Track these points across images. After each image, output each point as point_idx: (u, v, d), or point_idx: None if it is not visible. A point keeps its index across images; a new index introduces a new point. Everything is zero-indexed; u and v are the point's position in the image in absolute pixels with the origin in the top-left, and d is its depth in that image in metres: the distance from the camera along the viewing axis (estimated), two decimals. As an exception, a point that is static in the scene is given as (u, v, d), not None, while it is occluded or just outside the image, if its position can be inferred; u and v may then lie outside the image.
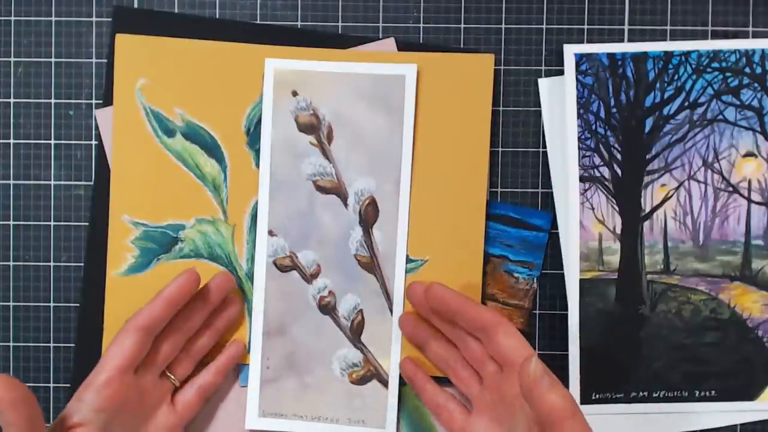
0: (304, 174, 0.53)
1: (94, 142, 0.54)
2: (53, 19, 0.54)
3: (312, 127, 0.53)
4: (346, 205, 0.53)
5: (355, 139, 0.53)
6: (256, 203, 0.53)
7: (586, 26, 0.55)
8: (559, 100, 0.54)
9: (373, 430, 0.53)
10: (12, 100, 0.54)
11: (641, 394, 0.54)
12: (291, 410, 0.53)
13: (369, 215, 0.53)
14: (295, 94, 0.53)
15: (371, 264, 0.53)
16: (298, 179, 0.53)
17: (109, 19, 0.54)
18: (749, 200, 0.54)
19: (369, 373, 0.53)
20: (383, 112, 0.53)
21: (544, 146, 0.54)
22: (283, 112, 0.53)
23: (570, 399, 0.41)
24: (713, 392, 0.54)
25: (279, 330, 0.53)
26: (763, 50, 0.53)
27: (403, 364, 0.52)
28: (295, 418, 0.52)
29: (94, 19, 0.54)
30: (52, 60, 0.54)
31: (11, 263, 0.55)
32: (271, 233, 0.53)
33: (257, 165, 0.53)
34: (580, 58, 0.53)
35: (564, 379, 0.54)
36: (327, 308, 0.53)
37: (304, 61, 0.53)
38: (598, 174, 0.54)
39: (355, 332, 0.53)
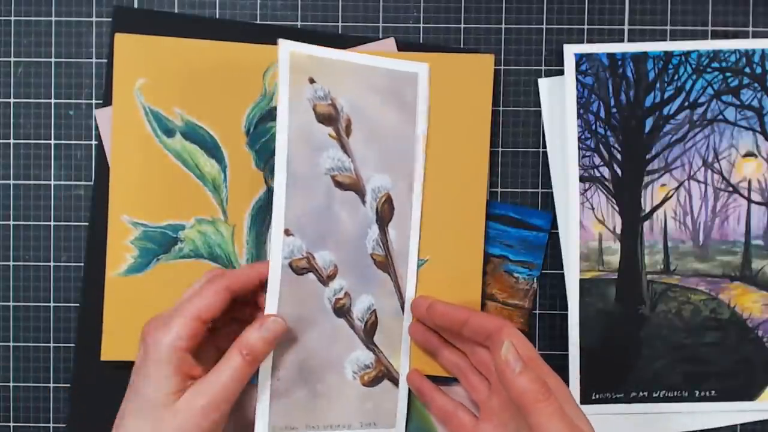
0: (323, 168, 0.50)
1: (94, 142, 0.54)
2: (53, 19, 0.54)
3: (331, 118, 0.50)
4: (363, 202, 0.51)
5: (371, 133, 0.51)
6: (257, 203, 0.53)
7: (586, 26, 0.55)
8: (559, 100, 0.54)
9: (384, 430, 0.52)
10: (12, 100, 0.54)
11: (641, 394, 0.54)
12: (302, 422, 0.50)
13: (385, 213, 0.52)
14: (312, 81, 0.50)
15: (386, 263, 0.52)
16: (316, 174, 0.50)
17: (109, 19, 0.54)
18: (749, 200, 0.54)
19: (380, 374, 0.52)
20: (397, 109, 0.52)
21: (544, 146, 0.54)
22: (300, 99, 0.49)
23: (541, 383, 0.41)
24: (713, 392, 0.54)
25: (291, 337, 0.49)
26: (763, 50, 0.53)
27: (410, 377, 0.52)
28: (307, 429, 0.50)
29: (94, 19, 0.54)
30: (52, 60, 0.54)
31: (11, 263, 0.55)
32: (287, 232, 0.49)
33: (257, 165, 0.53)
34: (580, 58, 0.53)
35: (564, 379, 0.54)
36: (342, 310, 0.51)
37: (320, 47, 0.50)
38: (598, 174, 0.54)
39: (368, 333, 0.52)
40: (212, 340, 0.47)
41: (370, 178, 0.51)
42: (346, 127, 0.51)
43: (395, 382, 0.52)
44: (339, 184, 0.50)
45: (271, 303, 0.48)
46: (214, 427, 0.43)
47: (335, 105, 0.50)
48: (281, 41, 0.49)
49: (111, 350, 0.52)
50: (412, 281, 0.52)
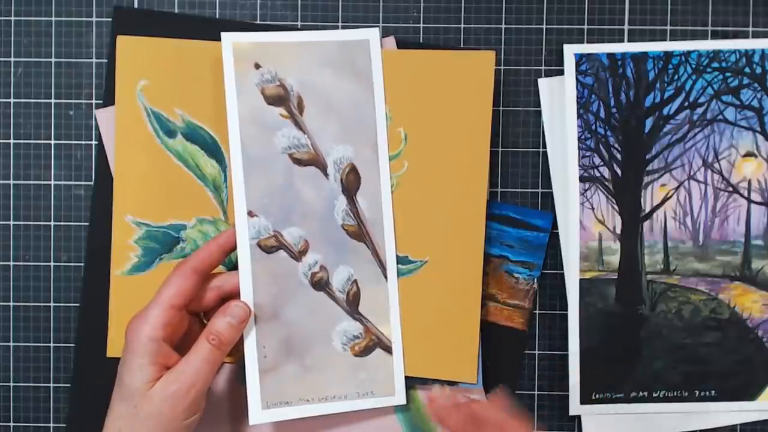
0: (279, 148, 0.52)
1: (94, 142, 0.54)
2: (53, 19, 0.54)
3: (280, 98, 0.52)
4: (326, 175, 0.52)
5: (326, 107, 0.52)
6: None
7: (586, 26, 0.55)
8: (559, 100, 0.54)
9: (383, 398, 0.52)
10: (12, 100, 0.54)
11: (641, 394, 0.54)
12: (295, 396, 0.51)
13: (351, 183, 0.52)
14: (257, 66, 0.51)
15: (359, 232, 0.52)
16: (272, 154, 0.51)
17: (109, 19, 0.54)
18: (749, 200, 0.54)
19: (371, 343, 0.52)
20: (351, 78, 0.52)
21: (544, 146, 0.54)
22: (247, 85, 0.51)
23: None
24: (713, 392, 0.54)
25: (272, 315, 0.51)
26: (763, 50, 0.53)
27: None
28: (301, 402, 0.51)
29: (94, 19, 0.54)
30: (52, 60, 0.54)
31: (11, 263, 0.55)
32: (251, 214, 0.51)
33: (257, 165, 0.53)
34: (580, 58, 0.54)
35: (564, 379, 0.54)
36: (320, 284, 0.52)
37: (264, 32, 0.52)
38: (598, 174, 0.54)
39: (351, 303, 0.52)
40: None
41: (330, 150, 0.52)
42: (297, 104, 0.52)
43: (388, 350, 0.52)
44: (297, 161, 0.52)
45: (244, 284, 0.50)
46: (188, 412, 0.46)
47: (284, 85, 0.52)
48: (224, 34, 0.51)
49: (117, 347, 0.52)
50: (392, 246, 0.52)
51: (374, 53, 0.52)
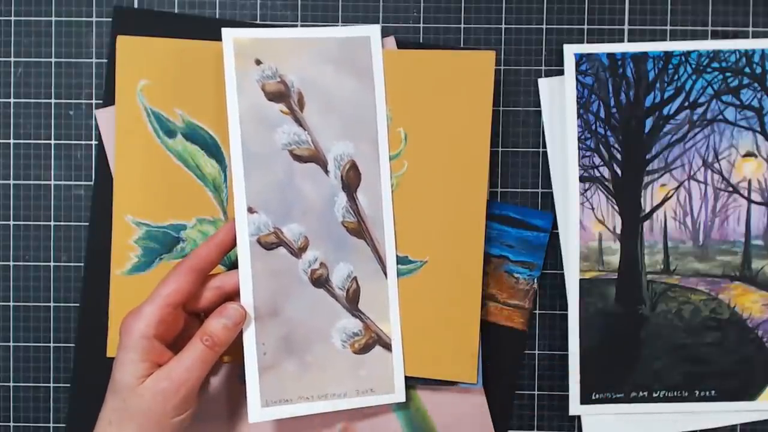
0: (279, 144, 0.52)
1: (94, 142, 0.54)
2: (53, 19, 0.54)
3: (281, 94, 0.52)
4: (326, 171, 0.52)
5: (327, 103, 0.52)
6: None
7: (586, 26, 0.55)
8: (559, 100, 0.54)
9: (383, 396, 0.52)
10: (12, 100, 0.54)
11: (641, 394, 0.54)
12: (295, 393, 0.51)
13: (351, 179, 0.52)
14: (258, 62, 0.51)
15: (359, 229, 0.52)
16: (272, 150, 0.52)
17: (109, 19, 0.54)
18: (749, 200, 0.54)
19: (371, 340, 0.52)
20: (352, 75, 0.52)
21: (544, 146, 0.55)
22: (248, 81, 0.51)
23: None
24: (713, 392, 0.54)
25: (271, 312, 0.51)
26: (763, 50, 0.53)
27: None
28: (301, 400, 0.51)
29: (94, 19, 0.54)
30: (52, 60, 0.54)
31: (11, 263, 0.55)
32: (251, 210, 0.51)
33: (257, 165, 0.53)
34: (580, 58, 0.54)
35: (564, 379, 0.54)
36: (320, 281, 0.52)
37: (265, 28, 0.52)
38: (598, 174, 0.54)
39: (351, 301, 0.52)
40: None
41: (330, 147, 0.52)
42: (298, 101, 0.52)
43: (387, 347, 0.52)
44: (298, 158, 0.52)
45: (244, 281, 0.50)
46: (178, 410, 0.46)
47: (285, 81, 0.52)
48: (224, 30, 0.51)
49: (116, 347, 0.52)
50: (392, 243, 0.52)
51: (375, 50, 0.52)
